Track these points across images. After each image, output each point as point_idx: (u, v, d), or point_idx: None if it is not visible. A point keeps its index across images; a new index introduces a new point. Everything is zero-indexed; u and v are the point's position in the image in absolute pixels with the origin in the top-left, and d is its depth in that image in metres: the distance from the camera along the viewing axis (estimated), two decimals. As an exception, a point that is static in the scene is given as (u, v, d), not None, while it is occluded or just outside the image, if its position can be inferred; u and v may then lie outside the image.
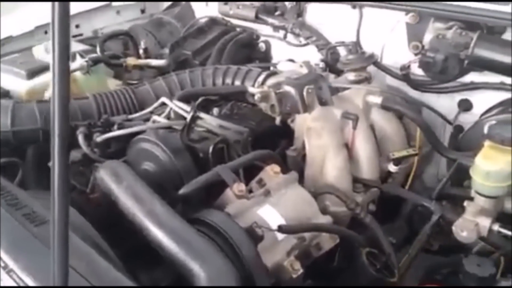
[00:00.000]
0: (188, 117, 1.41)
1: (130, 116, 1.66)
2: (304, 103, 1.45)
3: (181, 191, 1.27)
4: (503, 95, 1.70)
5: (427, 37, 1.67)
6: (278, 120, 1.62)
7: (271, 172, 1.36)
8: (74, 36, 2.44)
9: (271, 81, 1.69)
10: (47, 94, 1.86)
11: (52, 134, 0.54)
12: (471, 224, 1.26)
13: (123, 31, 2.16)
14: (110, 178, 1.26)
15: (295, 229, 1.22)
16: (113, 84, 2.15)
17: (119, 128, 1.58)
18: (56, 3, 0.53)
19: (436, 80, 1.74)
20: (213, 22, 2.38)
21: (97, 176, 1.33)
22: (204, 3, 2.48)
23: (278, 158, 1.43)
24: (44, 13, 2.30)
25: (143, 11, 2.68)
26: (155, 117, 1.56)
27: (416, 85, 1.79)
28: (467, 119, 1.82)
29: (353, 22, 1.91)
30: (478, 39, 1.55)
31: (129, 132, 1.46)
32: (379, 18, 1.84)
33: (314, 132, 1.46)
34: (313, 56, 1.98)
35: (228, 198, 1.28)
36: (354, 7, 1.85)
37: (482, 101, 1.76)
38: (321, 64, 1.80)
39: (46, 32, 2.31)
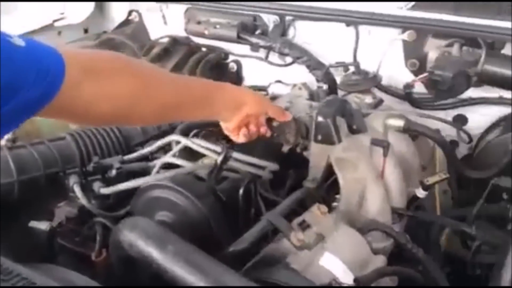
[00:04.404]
0: (220, 158, 1.21)
1: (126, 157, 1.42)
2: (338, 133, 1.32)
3: (233, 248, 1.08)
4: (501, 110, 1.73)
5: (432, 55, 1.64)
6: (286, 148, 1.49)
7: (318, 213, 1.22)
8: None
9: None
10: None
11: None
12: (533, 249, 1.22)
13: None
14: (146, 241, 1.03)
15: (370, 278, 1.09)
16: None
17: (118, 173, 1.34)
18: None
19: (440, 97, 1.71)
20: (175, 42, 2.17)
21: (121, 237, 1.09)
22: (161, 22, 2.27)
23: (321, 196, 1.29)
24: None
25: (86, 31, 2.39)
26: (167, 158, 1.33)
27: (418, 103, 1.74)
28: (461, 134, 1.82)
29: (343, 41, 1.83)
30: (486, 55, 1.54)
31: (151, 181, 1.23)
32: (373, 35, 1.78)
33: (349, 163, 1.34)
34: (293, 76, 1.87)
35: (285, 248, 1.11)
36: (348, 25, 1.76)
37: (478, 116, 1.78)
38: (324, 86, 1.68)
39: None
